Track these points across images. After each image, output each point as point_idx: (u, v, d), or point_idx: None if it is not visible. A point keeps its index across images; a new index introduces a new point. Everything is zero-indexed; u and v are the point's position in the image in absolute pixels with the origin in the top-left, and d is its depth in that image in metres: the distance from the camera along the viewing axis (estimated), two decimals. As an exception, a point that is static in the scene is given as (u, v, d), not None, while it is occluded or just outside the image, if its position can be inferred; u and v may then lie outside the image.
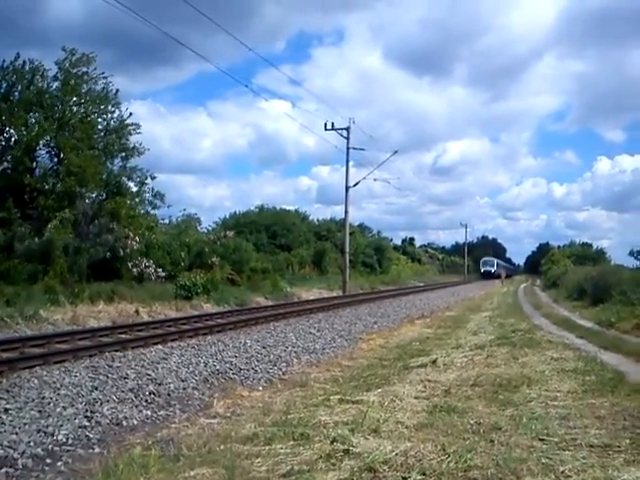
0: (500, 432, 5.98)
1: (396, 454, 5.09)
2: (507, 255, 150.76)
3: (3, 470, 5.06)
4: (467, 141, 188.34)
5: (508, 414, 6.78)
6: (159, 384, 8.40)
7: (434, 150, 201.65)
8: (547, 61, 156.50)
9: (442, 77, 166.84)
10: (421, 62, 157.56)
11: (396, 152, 39.29)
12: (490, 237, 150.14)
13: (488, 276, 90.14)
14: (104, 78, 27.39)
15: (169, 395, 8.04)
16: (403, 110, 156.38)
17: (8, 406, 6.71)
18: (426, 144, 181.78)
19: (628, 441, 5.70)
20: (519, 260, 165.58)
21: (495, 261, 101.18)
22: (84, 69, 26.84)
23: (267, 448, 5.44)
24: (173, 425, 6.60)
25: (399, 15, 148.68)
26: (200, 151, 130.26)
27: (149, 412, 7.22)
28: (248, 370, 10.04)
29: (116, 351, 10.29)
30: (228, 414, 7.05)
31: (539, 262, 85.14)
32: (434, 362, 10.31)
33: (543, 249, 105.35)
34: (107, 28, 76.20)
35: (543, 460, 5.06)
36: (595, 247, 75.90)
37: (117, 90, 27.84)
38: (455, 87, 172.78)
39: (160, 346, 11.15)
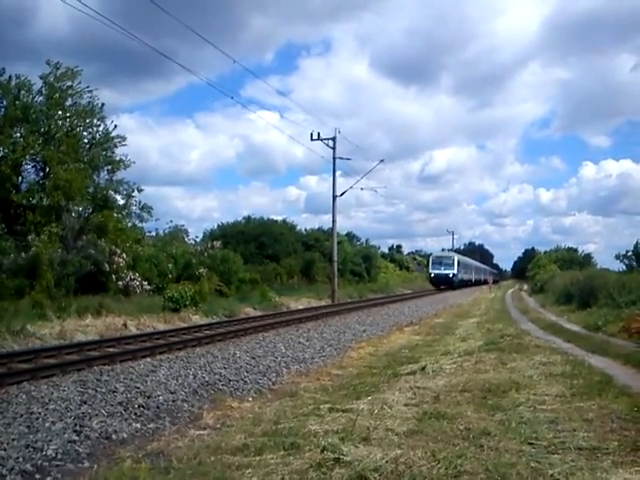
0: (489, 437, 6.02)
1: (386, 461, 5.11)
2: (494, 261, 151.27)
3: (-9, 487, 5.03)
4: (454, 149, 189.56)
5: (497, 419, 6.83)
6: (148, 397, 8.36)
7: (421, 158, 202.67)
8: (532, 68, 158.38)
9: (428, 86, 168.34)
10: (407, 71, 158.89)
11: (382, 161, 39.19)
12: (477, 243, 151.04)
13: (444, 283, 57.56)
14: (89, 92, 27.37)
15: (158, 408, 8.00)
16: (390, 119, 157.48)
17: (-4, 422, 6.65)
18: (413, 153, 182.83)
19: (616, 443, 5.76)
20: (506, 266, 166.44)
21: (455, 258, 60.83)
22: (69, 83, 26.80)
23: (258, 458, 5.45)
24: (163, 438, 6.57)
25: (386, 25, 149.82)
26: (188, 163, 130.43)
27: (139, 425, 7.19)
28: (237, 381, 10.01)
29: (104, 365, 10.24)
30: (218, 425, 7.04)
31: (526, 267, 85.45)
32: (423, 369, 10.34)
33: (529, 254, 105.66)
34: (95, 42, 76.35)
35: (532, 464, 5.10)
36: (581, 251, 76.30)
37: (103, 104, 27.82)
38: (441, 96, 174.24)
39: (149, 359, 11.11)
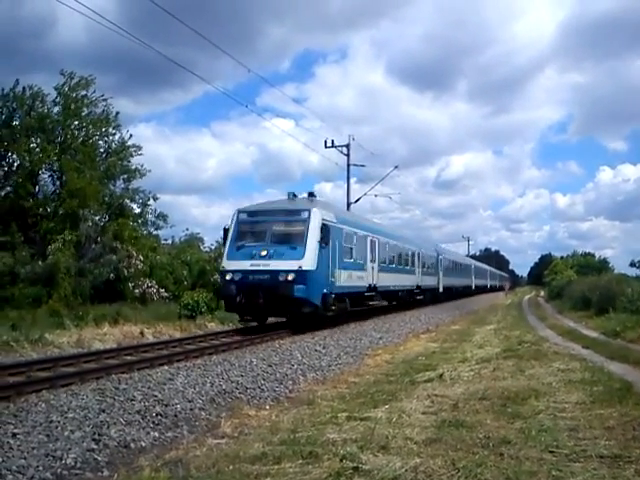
0: (509, 445, 5.96)
1: (406, 470, 5.08)
2: (510, 267, 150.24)
3: (13, 495, 5.04)
4: (470, 154, 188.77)
5: (517, 427, 6.77)
6: (166, 405, 8.37)
7: (437, 164, 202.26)
8: (548, 73, 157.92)
9: (444, 91, 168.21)
10: (423, 77, 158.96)
11: (396, 167, 38.91)
12: (493, 249, 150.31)
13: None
14: (104, 100, 27.63)
15: (176, 416, 8.01)
16: (406, 125, 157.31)
17: (16, 430, 6.68)
18: (429, 158, 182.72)
19: (638, 451, 5.68)
20: (522, 272, 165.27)
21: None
22: (83, 92, 27.07)
23: (276, 467, 5.43)
24: (181, 446, 6.58)
25: (402, 31, 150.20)
26: (204, 171, 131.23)
27: (157, 434, 7.20)
28: (254, 389, 10.01)
29: (122, 373, 10.27)
30: (236, 434, 7.04)
31: (542, 273, 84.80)
32: (441, 376, 10.29)
33: (546, 260, 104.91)
34: (112, 52, 77.16)
35: (553, 472, 5.06)
36: (598, 257, 75.75)
37: (117, 112, 28.10)
38: (457, 101, 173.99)
39: (166, 367, 11.13)
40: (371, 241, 23.21)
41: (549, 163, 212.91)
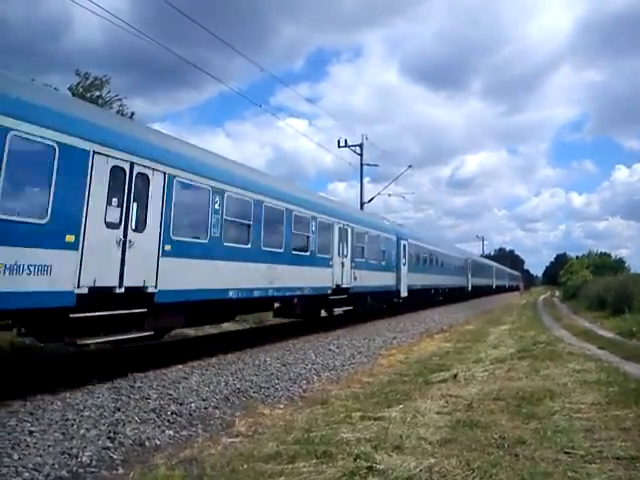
0: (524, 446, 5.95)
1: (420, 470, 5.08)
2: (525, 267, 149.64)
3: (29, 492, 5.08)
4: (485, 154, 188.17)
5: (532, 427, 6.75)
6: (181, 404, 8.41)
7: (451, 163, 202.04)
8: (563, 71, 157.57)
9: (459, 90, 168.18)
10: (438, 76, 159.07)
11: (410, 167, 39.06)
12: (508, 249, 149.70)
13: None
14: (119, 101, 27.78)
15: (191, 415, 8.04)
16: (420, 124, 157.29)
17: (32, 428, 6.73)
18: (443, 158, 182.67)
19: (655, 453, 5.64)
20: (537, 271, 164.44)
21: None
22: (98, 93, 27.22)
23: (290, 466, 5.45)
24: (196, 445, 6.60)
25: (416, 30, 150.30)
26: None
27: (172, 432, 7.23)
28: (269, 388, 10.02)
29: (137, 371, 10.31)
30: (250, 433, 7.05)
31: (557, 273, 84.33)
32: (455, 377, 10.27)
33: (561, 260, 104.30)
34: (128, 52, 77.66)
35: (569, 473, 5.04)
36: (614, 256, 75.23)
37: (132, 113, 28.23)
38: (472, 100, 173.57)
39: (180, 366, 11.17)
40: (340, 229, 19.32)
41: (564, 162, 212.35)
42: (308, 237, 16.91)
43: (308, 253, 16.84)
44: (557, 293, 70.96)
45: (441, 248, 38.25)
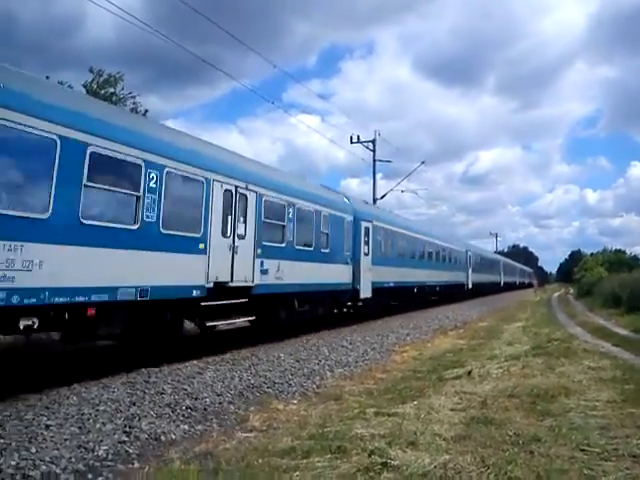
0: (540, 443, 5.93)
1: (435, 466, 5.07)
2: (539, 264, 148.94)
3: (46, 486, 5.13)
4: (498, 150, 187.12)
5: (547, 425, 6.72)
6: (195, 399, 8.45)
7: (465, 159, 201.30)
8: (577, 67, 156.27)
9: (472, 86, 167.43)
10: (451, 72, 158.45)
11: (423, 163, 38.82)
12: (521, 246, 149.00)
13: None
14: (132, 97, 27.88)
15: (205, 409, 8.08)
16: (433, 120, 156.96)
17: (49, 422, 6.79)
18: (457, 154, 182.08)
19: (672, 451, 5.60)
20: (551, 268, 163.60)
21: None
22: (111, 90, 27.33)
23: (305, 461, 5.46)
24: (211, 439, 6.63)
25: (429, 26, 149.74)
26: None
27: (186, 427, 7.27)
28: (282, 384, 10.05)
29: (152, 366, 10.38)
30: (264, 428, 7.07)
31: (572, 270, 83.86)
32: (469, 373, 10.25)
33: (575, 257, 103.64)
34: (141, 49, 78.03)
35: (585, 471, 5.01)
36: (629, 253, 74.65)
37: (146, 110, 28.33)
38: (485, 96, 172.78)
39: (195, 361, 11.23)
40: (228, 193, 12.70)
41: (579, 158, 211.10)
42: (137, 199, 10.02)
43: (136, 227, 9.95)
44: (571, 290, 70.58)
45: (429, 236, 31.82)
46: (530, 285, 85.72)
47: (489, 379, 9.81)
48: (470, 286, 42.25)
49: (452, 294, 37.10)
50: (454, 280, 37.46)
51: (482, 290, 48.93)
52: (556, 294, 64.29)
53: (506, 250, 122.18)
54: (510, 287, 70.92)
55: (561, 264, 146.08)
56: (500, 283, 62.59)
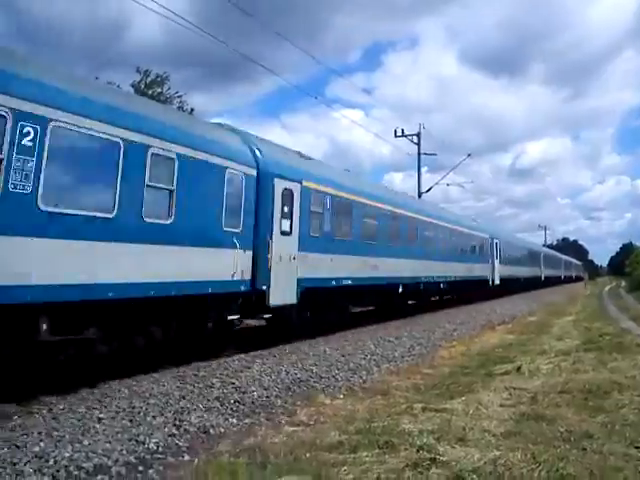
0: (592, 440, 5.81)
1: (485, 463, 5.02)
2: (589, 257, 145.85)
3: (99, 477, 5.23)
4: (547, 141, 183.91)
5: (599, 421, 6.58)
6: (243, 392, 8.53)
7: (512, 151, 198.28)
8: (627, 55, 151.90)
9: (519, 77, 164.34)
10: (497, 63, 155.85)
11: (469, 155, 38.27)
12: (571, 239, 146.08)
13: None
14: (178, 97, 28.30)
15: (253, 403, 8.15)
16: (479, 112, 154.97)
17: (101, 415, 6.95)
18: (504, 146, 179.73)
19: None
20: (602, 262, 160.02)
21: None
22: (158, 90, 27.78)
23: (353, 456, 5.46)
24: (259, 433, 6.69)
25: (474, 18, 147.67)
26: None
27: (235, 420, 7.34)
28: (329, 378, 10.06)
29: (200, 360, 10.52)
30: (312, 422, 7.09)
31: (623, 263, 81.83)
32: (518, 369, 10.09)
33: (627, 249, 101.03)
34: (186, 49, 79.03)
35: (640, 469, 4.88)
36: (684, 246, 72.41)
37: (192, 109, 28.71)
38: (533, 86, 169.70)
39: (242, 355, 11.34)
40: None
41: (630, 148, 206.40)
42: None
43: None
44: (623, 283, 68.88)
45: (424, 214, 22.76)
46: (579, 279, 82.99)
47: (539, 374, 9.65)
48: (497, 282, 34.57)
49: (469, 292, 30.40)
50: (470, 275, 29.35)
51: (515, 287, 41.75)
52: (607, 287, 62.83)
53: (555, 243, 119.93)
54: (553, 282, 63.26)
55: (612, 257, 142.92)
56: (540, 277, 54.54)
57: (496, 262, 34.37)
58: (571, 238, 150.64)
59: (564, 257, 79.46)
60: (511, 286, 39.33)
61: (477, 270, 30.32)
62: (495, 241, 34.70)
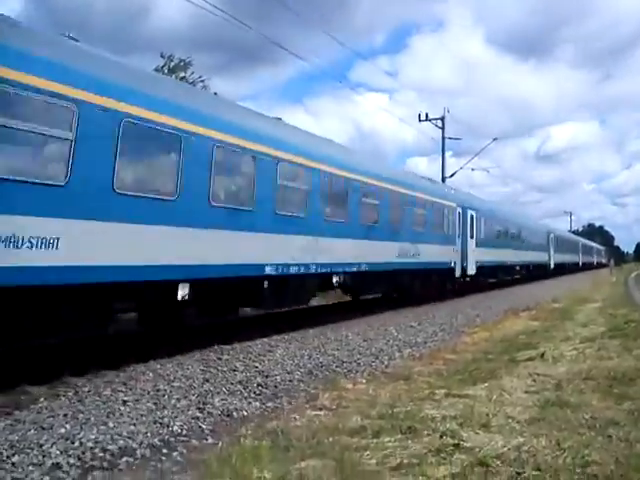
0: (618, 427, 5.75)
1: (508, 449, 4.99)
2: (615, 243, 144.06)
3: (124, 459, 5.29)
4: (573, 125, 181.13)
5: (625, 408, 6.51)
6: (266, 376, 8.59)
7: (538, 136, 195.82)
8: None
9: (547, 60, 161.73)
10: (525, 44, 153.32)
11: (495, 140, 37.92)
12: (597, 225, 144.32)
13: None
14: (201, 81, 28.28)
15: (276, 387, 8.20)
16: (506, 96, 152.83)
17: (126, 398, 7.03)
18: (530, 130, 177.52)
19: None
20: (628, 248, 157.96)
21: None
22: (182, 74, 27.78)
23: (375, 441, 5.46)
24: (282, 416, 6.72)
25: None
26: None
27: (258, 404, 7.39)
28: (351, 363, 10.07)
29: (224, 344, 10.59)
30: (334, 406, 7.10)
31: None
32: (542, 355, 10.01)
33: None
34: (210, 33, 79.00)
35: (667, 457, 4.82)
36: None
37: (215, 93, 28.67)
38: (561, 69, 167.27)
39: (265, 339, 11.40)
40: None
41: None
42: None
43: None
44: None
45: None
46: (600, 265, 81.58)
47: (563, 361, 9.57)
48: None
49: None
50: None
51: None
52: (633, 274, 62.00)
53: (580, 229, 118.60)
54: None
55: (638, 243, 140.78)
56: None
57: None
58: (597, 224, 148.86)
59: (582, 240, 76.16)
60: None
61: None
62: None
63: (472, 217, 24.82)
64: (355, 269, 15.12)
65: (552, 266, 41.70)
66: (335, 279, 15.11)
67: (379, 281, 17.26)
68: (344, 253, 14.55)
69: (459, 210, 23.44)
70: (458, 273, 23.11)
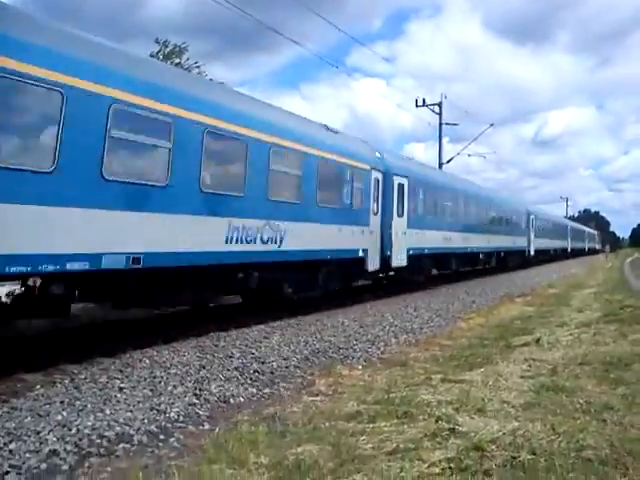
0: (612, 412, 5.77)
1: (504, 433, 5.01)
2: (611, 229, 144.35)
3: (120, 446, 5.30)
4: (571, 110, 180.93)
5: (620, 393, 6.54)
6: (262, 362, 8.60)
7: (535, 121, 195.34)
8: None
9: (545, 45, 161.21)
10: (522, 29, 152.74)
11: (492, 125, 37.81)
12: (593, 210, 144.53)
13: None
14: (197, 67, 28.10)
15: (272, 373, 8.21)
16: (503, 81, 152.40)
17: (122, 385, 7.03)
18: (527, 115, 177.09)
19: None
20: (624, 234, 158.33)
21: None
22: (177, 60, 27.60)
23: (371, 426, 5.48)
24: (278, 402, 6.74)
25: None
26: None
27: (254, 390, 7.41)
28: (347, 349, 10.09)
29: (220, 331, 10.59)
30: (330, 392, 7.13)
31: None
32: (538, 341, 10.05)
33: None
34: (205, 19, 78.38)
35: (662, 441, 4.85)
36: None
37: (210, 79, 28.53)
38: (558, 54, 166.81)
39: (262, 326, 11.41)
40: None
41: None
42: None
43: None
44: (645, 256, 68.22)
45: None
46: (591, 251, 79.49)
47: (559, 346, 9.60)
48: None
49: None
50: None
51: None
52: (629, 259, 62.17)
53: (577, 215, 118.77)
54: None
55: (634, 229, 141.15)
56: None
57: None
58: (593, 210, 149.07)
59: (586, 229, 73.09)
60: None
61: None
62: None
63: (401, 187, 18.47)
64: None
65: (532, 253, 36.43)
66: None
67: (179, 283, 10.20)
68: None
69: (377, 176, 16.96)
70: (373, 266, 16.72)
